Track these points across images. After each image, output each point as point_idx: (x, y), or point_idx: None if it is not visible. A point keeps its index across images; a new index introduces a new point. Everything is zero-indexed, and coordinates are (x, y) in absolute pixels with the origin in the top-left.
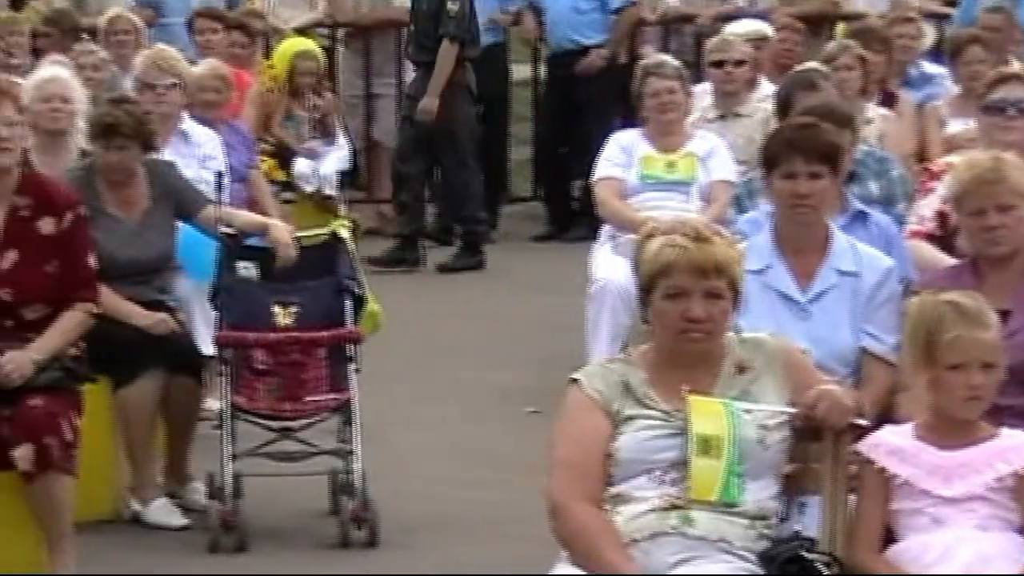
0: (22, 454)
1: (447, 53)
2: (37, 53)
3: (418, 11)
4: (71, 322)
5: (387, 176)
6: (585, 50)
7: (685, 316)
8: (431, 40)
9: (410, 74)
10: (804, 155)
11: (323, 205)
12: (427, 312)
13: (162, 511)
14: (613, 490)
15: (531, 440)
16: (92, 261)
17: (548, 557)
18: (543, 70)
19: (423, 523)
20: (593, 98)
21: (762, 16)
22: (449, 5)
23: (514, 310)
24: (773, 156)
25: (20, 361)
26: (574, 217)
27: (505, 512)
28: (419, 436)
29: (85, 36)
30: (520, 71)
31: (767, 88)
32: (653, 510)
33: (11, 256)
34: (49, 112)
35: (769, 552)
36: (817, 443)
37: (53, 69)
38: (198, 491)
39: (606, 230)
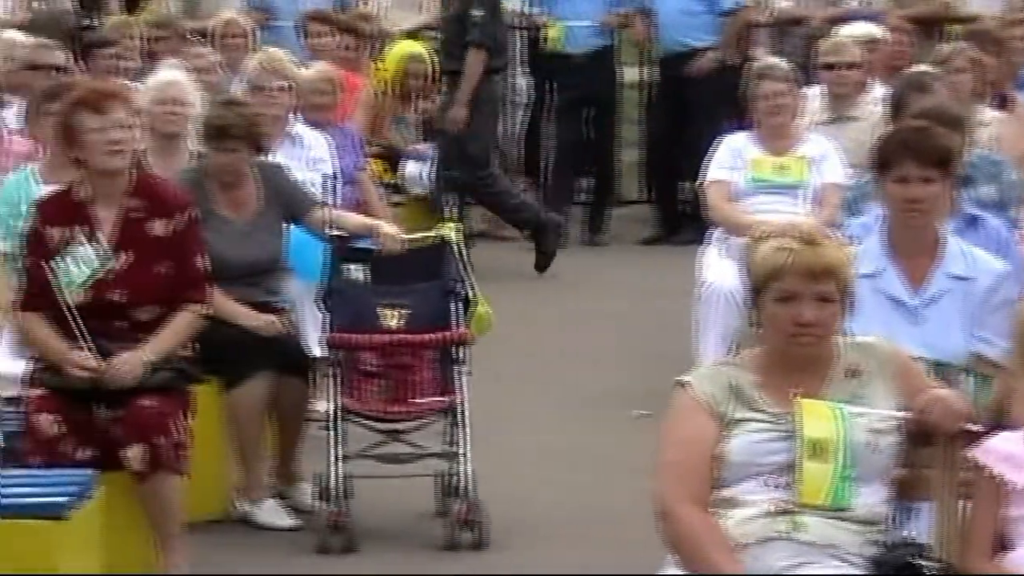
0: (134, 454)
1: (474, 60)
2: (151, 56)
3: (446, 18)
4: (182, 323)
5: None
6: (695, 52)
7: (795, 320)
8: (458, 48)
9: (519, 78)
10: (917, 159)
11: (431, 208)
12: (536, 315)
13: (271, 512)
14: (721, 493)
15: (638, 443)
16: (203, 262)
17: (655, 560)
18: (653, 72)
19: (531, 525)
20: (703, 100)
21: (874, 18)
22: (473, 12)
23: (622, 313)
24: (886, 159)
25: (132, 362)
26: (683, 220)
27: (612, 515)
28: (527, 438)
29: (197, 39)
30: (629, 73)
31: (879, 91)
32: (762, 515)
33: (124, 257)
34: (166, 115)
35: (880, 558)
36: (928, 448)
37: (171, 72)
38: (306, 492)
39: (715, 233)
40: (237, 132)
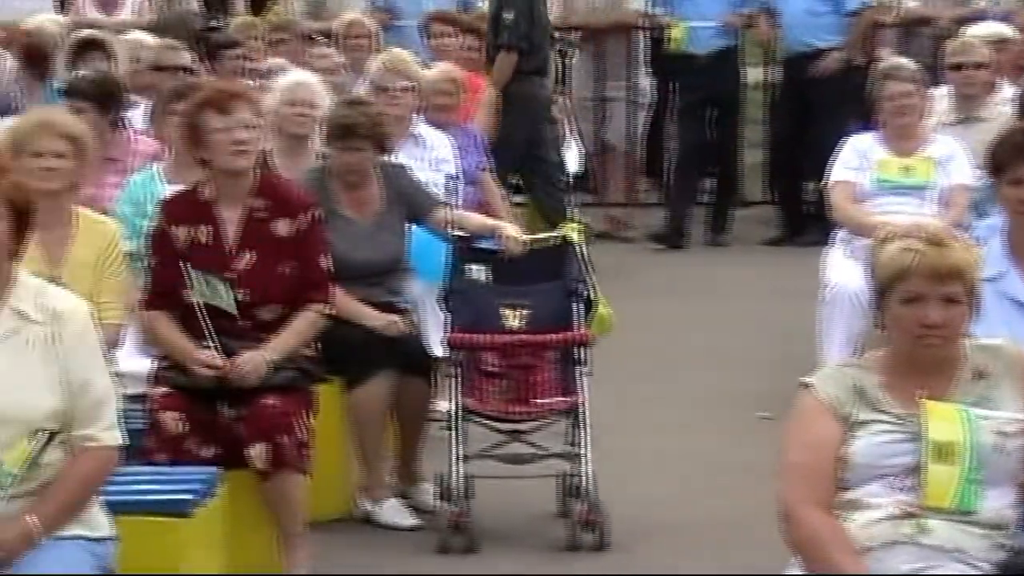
0: (257, 453)
1: (503, 63)
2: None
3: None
4: (305, 323)
5: (619, 179)
6: (820, 52)
7: (922, 322)
8: (493, 49)
9: (642, 79)
10: None
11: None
12: (657, 316)
13: (393, 511)
14: (846, 496)
15: (762, 445)
16: (326, 262)
17: (778, 563)
18: (776, 73)
19: (652, 527)
20: (828, 101)
21: (1003, 17)
22: (504, 14)
23: (745, 314)
24: (1001, 161)
25: (256, 361)
26: (807, 221)
27: (735, 517)
28: (648, 440)
29: (321, 40)
30: (753, 74)
31: (1008, 91)
32: (887, 518)
33: (247, 257)
34: (295, 116)
35: (1008, 563)
36: None
37: (302, 74)
38: (428, 492)
39: (840, 234)
40: (363, 131)
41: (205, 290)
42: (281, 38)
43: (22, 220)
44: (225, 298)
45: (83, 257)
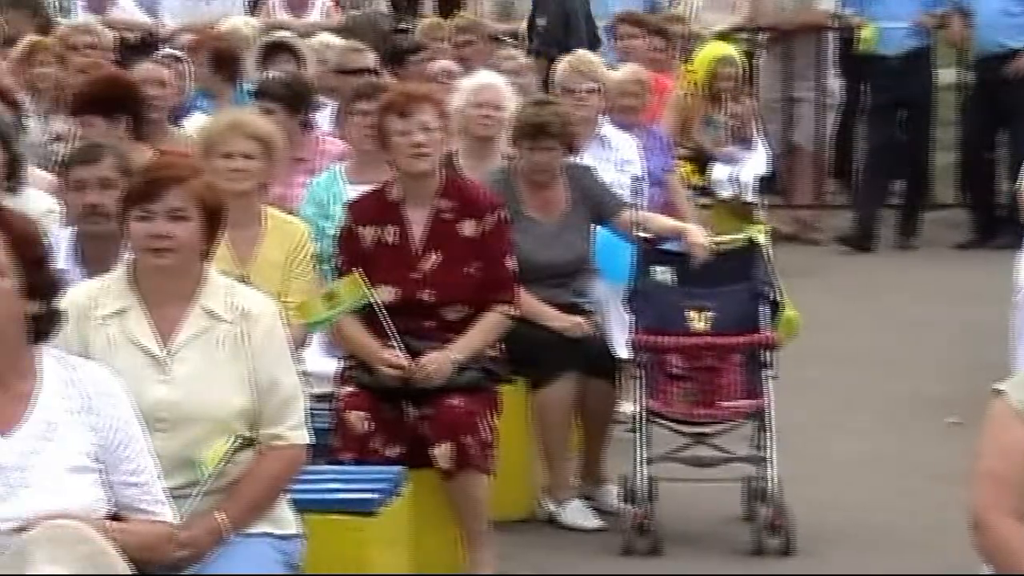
0: (441, 452)
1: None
2: (460, 60)
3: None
4: (490, 323)
5: (807, 181)
6: (1014, 53)
7: None
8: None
9: (832, 80)
10: None
11: (740, 210)
12: (844, 319)
13: (577, 512)
14: None
15: (951, 451)
16: (512, 263)
17: (967, 570)
18: (969, 74)
19: (838, 532)
20: (1021, 103)
21: None
22: (538, 20)
23: (935, 318)
24: None
25: (441, 361)
26: (999, 224)
27: (923, 523)
28: (835, 444)
29: (509, 41)
30: (945, 75)
31: None
32: None
33: (433, 258)
34: (481, 118)
35: None
36: None
37: (488, 76)
38: (612, 493)
39: None
40: (554, 130)
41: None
42: (468, 40)
43: (213, 220)
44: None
45: (272, 257)
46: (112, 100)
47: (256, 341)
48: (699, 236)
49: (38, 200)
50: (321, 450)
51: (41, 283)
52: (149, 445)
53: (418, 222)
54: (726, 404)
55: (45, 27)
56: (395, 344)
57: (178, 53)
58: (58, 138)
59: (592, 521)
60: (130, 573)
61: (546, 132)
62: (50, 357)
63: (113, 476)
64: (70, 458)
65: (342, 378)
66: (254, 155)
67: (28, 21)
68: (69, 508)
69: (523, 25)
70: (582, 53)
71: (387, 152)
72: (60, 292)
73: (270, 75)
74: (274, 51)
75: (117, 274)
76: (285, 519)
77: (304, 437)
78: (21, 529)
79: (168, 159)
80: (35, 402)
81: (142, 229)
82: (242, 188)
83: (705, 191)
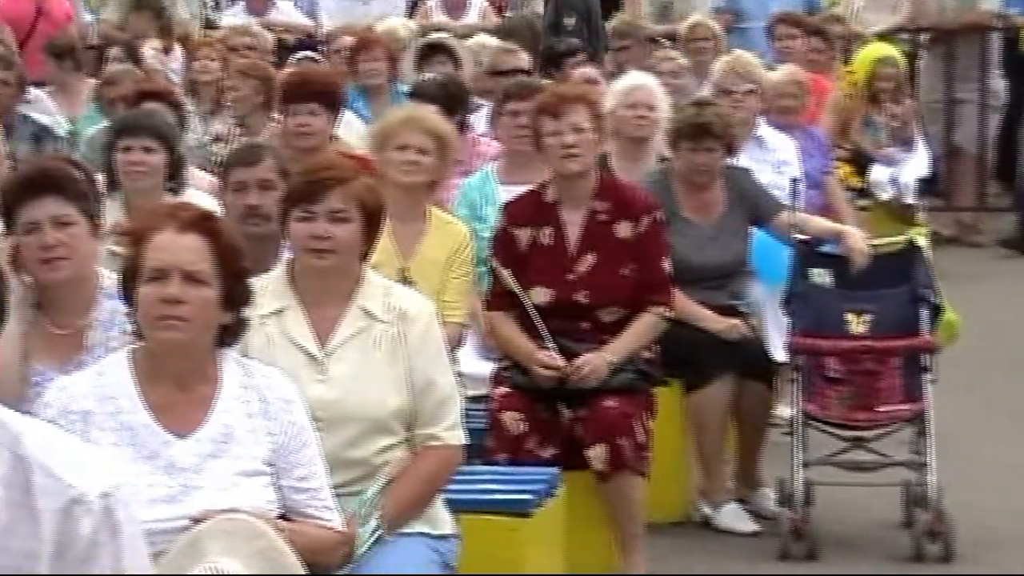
0: (596, 454)
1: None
2: (617, 64)
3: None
4: (645, 325)
5: (969, 183)
6: None
7: None
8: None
9: (995, 80)
10: None
11: (899, 213)
12: (1007, 323)
13: (732, 516)
14: None
15: None
16: (667, 265)
17: None
18: None
19: (1000, 539)
20: None
21: None
22: (565, 20)
23: None
24: None
25: (596, 363)
26: None
27: None
28: (996, 449)
29: (666, 43)
30: None
31: None
32: None
33: (589, 259)
34: (634, 119)
35: None
36: None
37: (640, 76)
38: (768, 497)
39: None
40: (715, 131)
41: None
42: (624, 45)
43: (373, 222)
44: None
45: (433, 254)
46: (330, 93)
47: (413, 341)
48: (858, 239)
49: (199, 201)
50: (476, 451)
51: (238, 294)
52: (320, 450)
53: (574, 224)
54: (884, 408)
55: (167, 29)
56: (549, 345)
57: (315, 55)
58: (218, 139)
59: (748, 525)
60: (303, 572)
61: (708, 133)
62: (231, 361)
63: (284, 480)
64: (244, 462)
65: (497, 379)
66: (428, 150)
67: (151, 24)
68: (240, 509)
69: (681, 26)
70: (740, 54)
71: (540, 153)
72: (251, 303)
73: (426, 76)
74: (431, 52)
75: (275, 274)
76: (441, 519)
77: (460, 437)
78: (196, 521)
79: (330, 159)
80: (214, 406)
81: (303, 229)
82: (413, 181)
83: (864, 193)
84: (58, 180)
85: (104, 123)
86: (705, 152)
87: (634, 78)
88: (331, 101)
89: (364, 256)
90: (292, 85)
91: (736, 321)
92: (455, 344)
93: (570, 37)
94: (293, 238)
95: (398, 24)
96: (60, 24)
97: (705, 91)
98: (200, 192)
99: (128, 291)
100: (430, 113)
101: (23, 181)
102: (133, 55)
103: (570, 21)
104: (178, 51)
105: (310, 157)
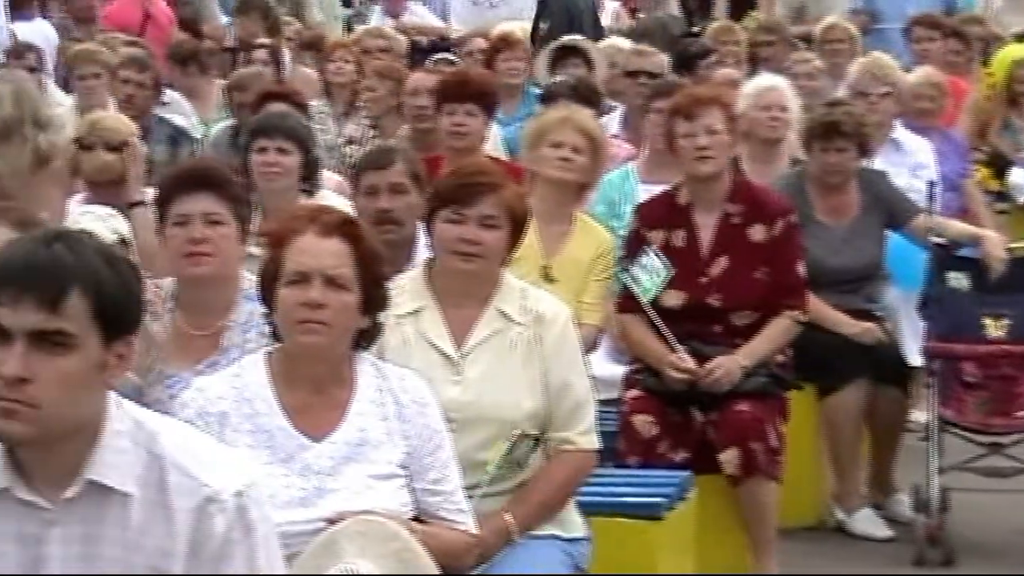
0: (728, 458)
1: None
2: (753, 62)
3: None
4: (779, 329)
5: None
6: None
7: None
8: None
9: None
10: None
11: None
12: None
13: (867, 521)
14: None
15: None
16: (801, 269)
17: None
18: None
19: None
20: None
21: None
22: (540, 24)
23: None
24: None
25: (729, 366)
26: None
27: None
28: None
29: (801, 44)
30: None
31: None
32: None
33: (722, 262)
34: (767, 120)
35: None
36: None
37: (772, 78)
38: (903, 503)
39: None
40: (846, 129)
41: (652, 278)
42: (769, 40)
43: (517, 230)
44: (661, 268)
45: (577, 255)
46: (488, 95)
47: (549, 344)
48: (996, 244)
49: (332, 203)
50: (607, 453)
51: (376, 299)
52: (453, 452)
53: (706, 226)
54: (1022, 413)
55: (275, 29)
56: (677, 348)
57: (452, 57)
58: (351, 141)
59: (883, 530)
60: (437, 574)
61: (839, 132)
62: (367, 364)
63: (417, 483)
64: (379, 465)
65: (628, 382)
66: (582, 150)
67: (259, 25)
68: (375, 511)
69: (816, 28)
70: (876, 56)
71: (674, 154)
72: (387, 308)
73: (558, 79)
74: (564, 54)
75: (412, 274)
76: (572, 522)
77: (594, 442)
78: (331, 523)
79: (482, 164)
80: (350, 409)
81: (452, 231)
82: (564, 177)
83: (1003, 196)
84: (215, 179)
85: (228, 125)
86: (836, 152)
87: (766, 79)
88: (488, 103)
89: (505, 262)
90: (451, 85)
91: (871, 325)
92: (590, 347)
93: (542, 42)
94: (439, 238)
95: (520, 27)
96: (166, 29)
97: (840, 93)
98: (333, 194)
99: (266, 293)
100: (585, 113)
101: (181, 175)
102: (276, 58)
103: (544, 26)
104: (286, 53)
105: (463, 157)
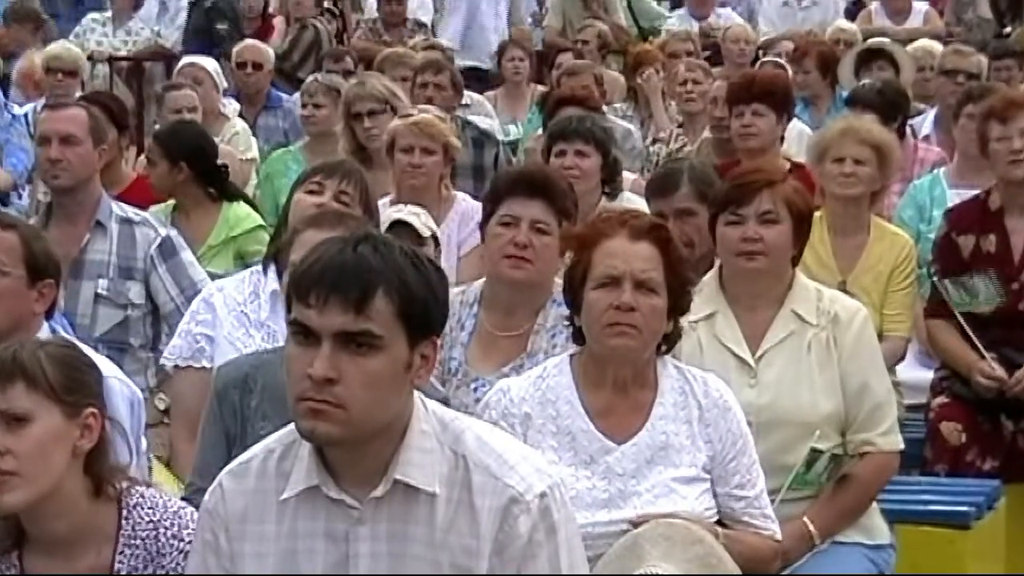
0: None
1: None
2: None
3: None
4: None
5: None
6: None
7: None
8: None
9: None
10: None
11: None
12: None
13: None
14: None
15: None
16: None
17: None
18: None
19: None
20: None
21: None
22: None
23: None
24: None
25: None
26: None
27: None
28: None
29: None
30: None
31: None
32: None
33: None
34: None
35: None
36: None
37: None
38: None
39: None
40: None
41: (963, 296)
42: None
43: (803, 224)
44: (985, 295)
45: (875, 266)
46: (776, 94)
47: (846, 346)
48: None
49: (636, 205)
50: (914, 461)
51: (682, 304)
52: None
53: (1019, 231)
54: None
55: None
56: (988, 355)
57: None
58: (656, 140)
59: None
60: None
61: None
62: (670, 367)
63: (721, 488)
64: (682, 469)
65: (936, 388)
66: (865, 161)
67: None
68: (678, 514)
69: None
70: None
71: (986, 158)
72: (688, 312)
73: (864, 82)
74: (870, 57)
75: (706, 279)
76: (877, 528)
77: (895, 443)
78: (634, 525)
79: (758, 164)
80: (653, 412)
81: (733, 233)
82: (851, 193)
83: None
84: (552, 187)
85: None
86: None
87: None
88: (778, 102)
89: (795, 260)
90: (738, 86)
91: None
92: (898, 358)
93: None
94: (722, 242)
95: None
96: None
97: None
98: (636, 196)
99: (572, 295)
100: (868, 123)
101: (519, 176)
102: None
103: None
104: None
105: (756, 158)
